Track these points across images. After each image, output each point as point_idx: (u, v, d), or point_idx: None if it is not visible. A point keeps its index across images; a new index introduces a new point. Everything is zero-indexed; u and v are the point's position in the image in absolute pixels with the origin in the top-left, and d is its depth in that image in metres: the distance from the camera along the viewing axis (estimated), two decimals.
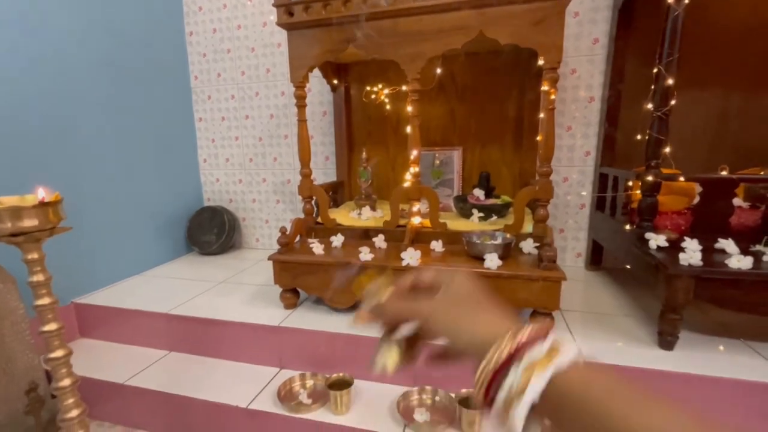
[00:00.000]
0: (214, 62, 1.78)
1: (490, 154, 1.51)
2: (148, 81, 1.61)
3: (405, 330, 0.36)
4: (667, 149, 1.01)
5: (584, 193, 1.44)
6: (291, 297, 1.19)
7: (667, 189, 1.04)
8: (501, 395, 0.26)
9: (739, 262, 0.80)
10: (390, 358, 0.36)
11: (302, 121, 1.24)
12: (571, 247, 1.51)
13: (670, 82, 0.94)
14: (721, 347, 0.92)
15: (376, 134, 1.62)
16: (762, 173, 0.97)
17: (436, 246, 1.15)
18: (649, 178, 0.99)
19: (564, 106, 1.42)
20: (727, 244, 0.91)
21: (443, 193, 1.51)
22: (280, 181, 1.81)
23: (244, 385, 1.02)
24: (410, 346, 0.37)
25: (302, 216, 1.32)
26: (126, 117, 1.52)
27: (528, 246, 1.09)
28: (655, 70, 0.96)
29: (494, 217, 1.23)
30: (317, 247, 1.16)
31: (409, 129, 1.17)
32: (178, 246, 1.80)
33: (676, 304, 0.86)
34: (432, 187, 1.53)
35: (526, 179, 1.43)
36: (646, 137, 1.00)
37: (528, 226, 1.14)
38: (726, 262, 0.82)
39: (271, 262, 1.16)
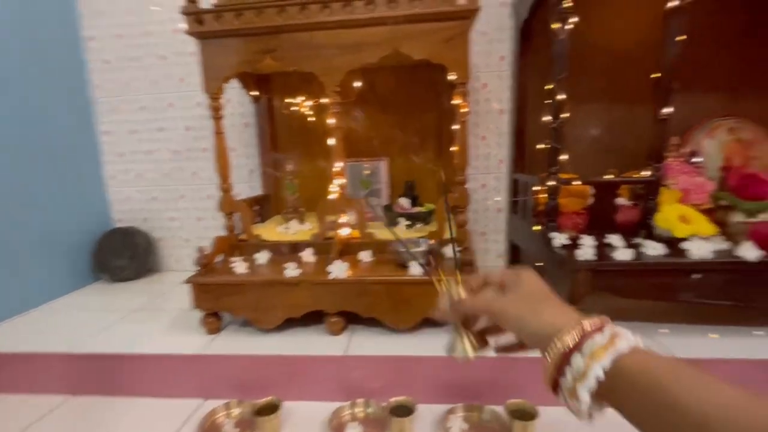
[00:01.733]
0: (120, 71, 1.63)
1: (414, 164, 1.56)
2: (34, 89, 1.42)
3: (482, 323, 0.43)
4: (564, 156, 1.13)
5: (498, 198, 1.55)
6: (213, 321, 1.11)
7: (566, 192, 1.15)
8: (567, 379, 0.29)
9: (623, 254, 0.92)
10: (467, 345, 0.42)
11: (219, 133, 1.18)
12: (493, 248, 1.61)
13: (562, 97, 1.05)
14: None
15: (302, 146, 1.60)
16: (636, 175, 1.12)
17: (365, 256, 1.15)
18: (551, 183, 1.10)
19: (479, 117, 1.52)
20: (615, 239, 1.04)
21: (372, 203, 1.54)
22: (200, 197, 1.70)
23: (160, 423, 0.93)
24: (481, 335, 0.43)
25: (225, 233, 1.25)
26: (10, 128, 1.32)
27: (450, 251, 1.14)
28: (548, 87, 1.07)
29: (419, 225, 1.27)
30: (240, 266, 1.10)
31: (331, 141, 1.17)
32: (82, 274, 1.60)
33: (578, 294, 0.95)
34: (361, 197, 1.55)
35: (448, 187, 1.50)
36: (547, 146, 1.11)
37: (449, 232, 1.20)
38: (613, 255, 0.93)
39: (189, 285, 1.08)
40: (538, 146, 1.17)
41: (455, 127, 1.13)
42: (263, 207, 1.55)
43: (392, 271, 1.06)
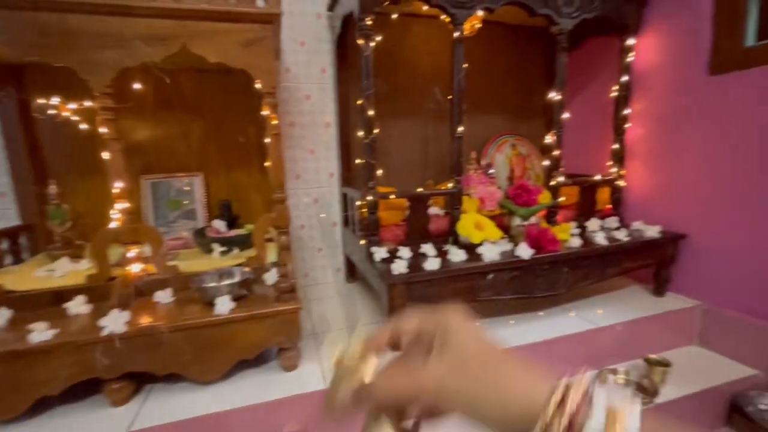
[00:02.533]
0: None
1: (237, 179, 1.40)
2: None
3: (414, 414, 0.28)
4: (379, 171, 1.16)
5: (323, 215, 1.52)
6: None
7: (385, 205, 1.18)
8: None
9: (431, 264, 0.97)
10: None
11: None
12: (331, 264, 1.57)
13: (371, 113, 1.06)
14: None
15: (80, 160, 1.25)
16: (443, 187, 1.22)
17: (163, 297, 0.94)
18: (369, 198, 1.10)
19: (305, 130, 1.46)
20: (428, 248, 1.10)
21: (185, 227, 1.31)
22: None
23: None
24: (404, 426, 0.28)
25: None
26: None
27: (272, 277, 1.03)
28: (359, 102, 1.07)
29: (236, 250, 1.12)
30: None
31: (106, 155, 0.92)
32: None
33: (396, 306, 0.96)
34: (170, 220, 1.30)
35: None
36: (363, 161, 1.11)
37: (273, 255, 1.09)
38: (423, 265, 0.97)
39: None
40: (357, 161, 1.17)
41: (267, 140, 1.03)
42: (17, 242, 1.14)
43: (195, 312, 0.89)
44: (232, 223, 1.19)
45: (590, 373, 0.24)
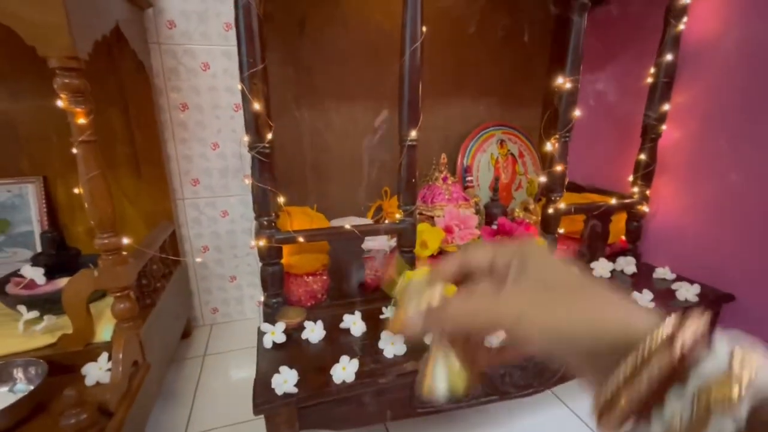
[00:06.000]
0: None
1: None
2: None
3: (494, 341, 0.25)
4: (281, 199, 0.75)
5: (198, 260, 1.10)
6: None
7: (296, 248, 0.78)
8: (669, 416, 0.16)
9: (343, 373, 0.58)
10: (454, 377, 0.24)
11: None
12: (249, 295, 1.18)
13: (257, 107, 0.63)
14: None
15: None
16: (391, 219, 0.81)
17: None
18: (262, 243, 0.69)
19: (204, 115, 1.01)
20: (353, 321, 0.71)
21: (14, 259, 0.89)
22: None
23: None
24: (473, 355, 0.25)
25: None
26: None
27: (94, 373, 0.64)
28: (239, 86, 0.63)
29: (48, 319, 0.71)
30: None
31: None
32: None
33: None
34: None
35: (157, 221, 0.98)
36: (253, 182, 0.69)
37: (105, 331, 0.70)
38: (331, 373, 0.59)
39: None
40: (246, 182, 0.75)
41: (74, 151, 0.60)
42: None
43: None
44: (62, 267, 0.77)
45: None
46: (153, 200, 0.98)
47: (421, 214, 0.99)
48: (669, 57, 0.89)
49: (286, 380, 0.56)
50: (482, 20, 1.11)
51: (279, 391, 0.56)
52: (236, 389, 0.89)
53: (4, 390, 0.59)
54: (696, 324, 0.17)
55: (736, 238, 0.86)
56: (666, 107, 0.92)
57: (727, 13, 0.85)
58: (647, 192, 0.99)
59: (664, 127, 0.94)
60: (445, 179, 1.04)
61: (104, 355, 0.66)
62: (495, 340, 0.25)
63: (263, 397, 0.56)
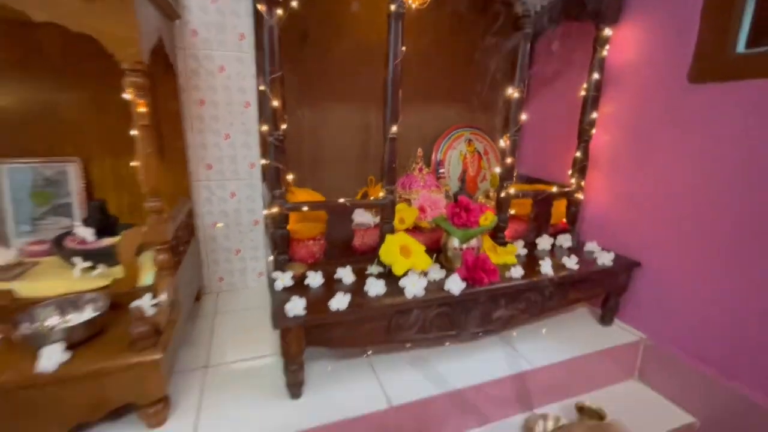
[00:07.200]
0: None
1: (128, 169, 1.14)
2: None
3: None
4: (290, 177, 0.94)
5: (219, 225, 1.29)
6: None
7: (299, 216, 0.98)
8: None
9: (338, 303, 0.79)
10: None
11: None
12: (251, 267, 1.36)
13: (276, 103, 0.83)
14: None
15: None
16: (374, 196, 1.02)
17: None
18: (274, 209, 0.89)
19: (218, 110, 1.20)
20: (345, 273, 0.92)
21: (56, 226, 1.06)
22: None
23: None
24: None
25: None
26: None
27: (145, 304, 0.82)
28: (261, 88, 0.83)
29: (102, 267, 0.89)
30: None
31: None
32: None
33: (291, 354, 0.78)
34: (36, 218, 1.04)
35: (177, 198, 1.16)
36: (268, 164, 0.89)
37: (148, 276, 0.88)
38: (329, 304, 0.79)
39: None
40: (262, 162, 0.94)
41: (133, 132, 0.78)
42: None
43: (18, 361, 0.68)
44: (106, 229, 0.95)
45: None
46: (174, 180, 1.16)
47: (400, 197, 1.20)
48: (596, 76, 1.13)
49: (296, 305, 0.75)
50: (454, 40, 1.34)
51: (291, 314, 0.76)
52: (245, 336, 1.07)
53: (78, 314, 0.76)
54: None
55: (648, 218, 1.11)
56: (594, 115, 1.17)
57: (638, 42, 1.10)
58: (582, 183, 1.23)
59: (594, 131, 1.18)
60: (420, 170, 1.26)
61: (148, 295, 0.84)
62: None
63: (280, 317, 0.75)
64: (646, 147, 1.10)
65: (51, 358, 0.66)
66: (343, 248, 1.00)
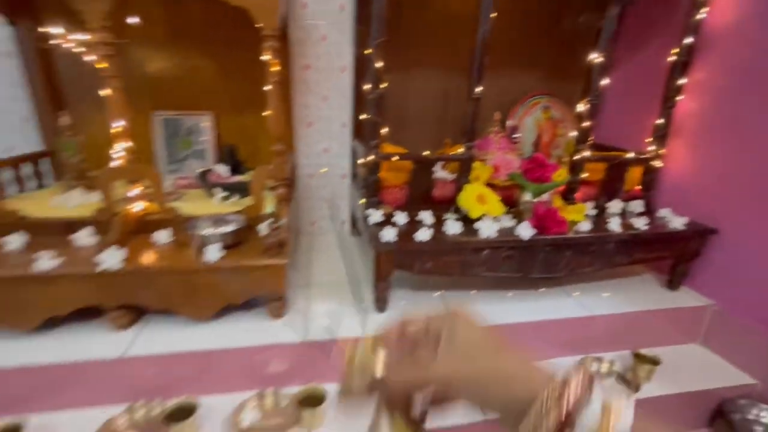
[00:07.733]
0: None
1: (247, 122, 1.37)
2: None
3: (422, 403, 0.30)
4: (385, 130, 1.09)
5: (324, 170, 1.48)
6: None
7: (389, 166, 1.13)
8: None
9: (422, 234, 0.94)
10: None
11: None
12: (337, 216, 1.57)
13: (379, 65, 0.97)
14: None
15: (95, 91, 1.26)
16: (453, 152, 1.14)
17: (161, 237, 0.99)
18: (370, 157, 1.05)
19: (319, 74, 1.38)
20: (426, 216, 1.06)
21: (195, 166, 1.33)
22: None
23: None
24: (413, 416, 0.30)
25: None
26: None
27: (265, 228, 1.05)
28: (367, 51, 0.98)
29: (236, 197, 1.13)
30: None
31: (106, 91, 0.92)
32: None
33: (382, 273, 0.96)
34: (180, 159, 1.32)
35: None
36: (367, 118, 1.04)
37: (270, 206, 1.10)
38: (415, 235, 0.95)
39: None
40: (361, 117, 1.10)
41: (267, 88, 0.98)
42: (38, 167, 1.21)
43: (186, 257, 0.92)
44: (235, 168, 1.19)
45: (588, 368, 0.30)
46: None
47: (477, 158, 1.31)
48: (689, 39, 1.12)
49: (389, 232, 0.92)
50: (539, 7, 1.37)
51: (384, 240, 0.92)
52: (337, 266, 1.28)
53: (226, 229, 1.00)
54: (577, 381, 0.23)
55: (726, 190, 1.10)
56: (682, 81, 1.16)
57: (742, 6, 1.06)
58: (661, 151, 1.23)
59: (681, 97, 1.18)
60: (497, 133, 1.34)
61: (269, 221, 1.06)
62: (425, 400, 0.30)
63: (376, 242, 0.92)
64: (742, 116, 1.08)
65: (213, 254, 0.90)
66: (424, 196, 1.14)
